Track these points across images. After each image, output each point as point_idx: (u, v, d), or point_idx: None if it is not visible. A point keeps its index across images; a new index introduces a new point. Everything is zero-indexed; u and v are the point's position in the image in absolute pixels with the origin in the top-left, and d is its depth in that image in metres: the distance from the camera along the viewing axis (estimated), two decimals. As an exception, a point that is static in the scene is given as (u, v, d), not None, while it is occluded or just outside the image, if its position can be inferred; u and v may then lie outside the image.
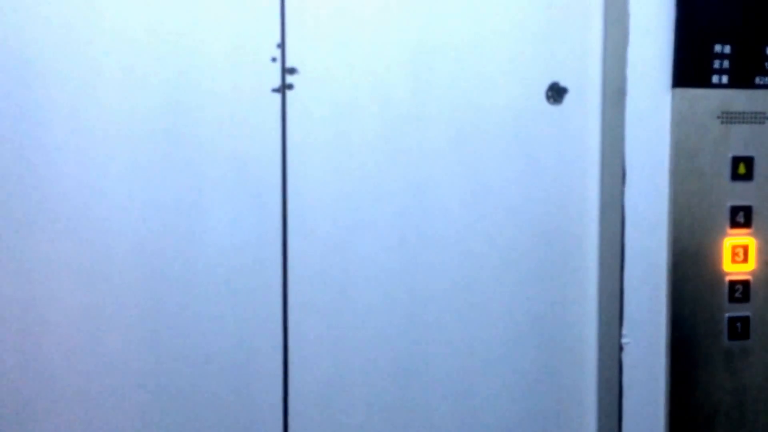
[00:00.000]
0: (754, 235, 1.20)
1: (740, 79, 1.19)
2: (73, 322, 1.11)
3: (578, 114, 1.21)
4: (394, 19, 1.15)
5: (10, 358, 1.10)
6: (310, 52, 1.13)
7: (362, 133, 1.15)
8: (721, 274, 1.19)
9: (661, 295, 1.19)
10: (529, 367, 1.21)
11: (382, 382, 1.18)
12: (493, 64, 1.18)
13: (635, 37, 1.18)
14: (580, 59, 1.20)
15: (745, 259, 1.20)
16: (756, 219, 1.20)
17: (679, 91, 1.18)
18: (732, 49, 1.18)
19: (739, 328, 1.19)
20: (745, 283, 1.20)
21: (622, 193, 1.18)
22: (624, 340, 1.19)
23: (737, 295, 1.19)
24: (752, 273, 1.20)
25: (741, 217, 1.19)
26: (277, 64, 1.13)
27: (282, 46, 1.12)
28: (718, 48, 1.18)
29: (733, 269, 1.20)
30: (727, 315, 1.19)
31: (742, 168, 1.19)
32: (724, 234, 1.19)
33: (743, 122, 1.19)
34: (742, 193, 1.19)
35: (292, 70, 1.13)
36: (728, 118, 1.19)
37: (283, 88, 1.13)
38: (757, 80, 1.19)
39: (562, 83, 1.20)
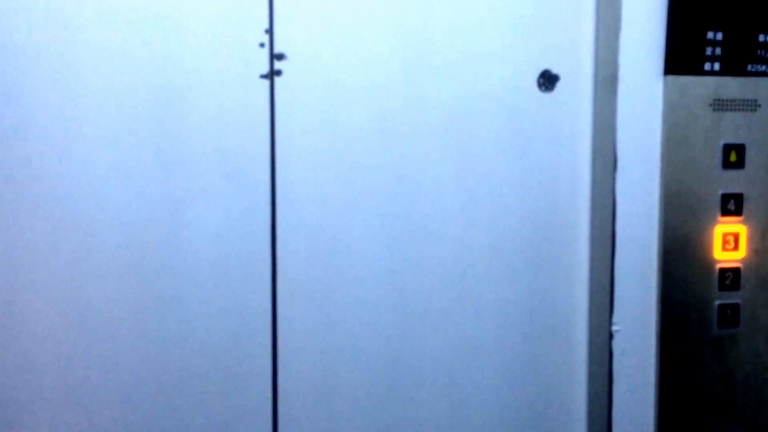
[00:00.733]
0: (745, 222, 1.20)
1: (732, 67, 1.18)
2: (60, 313, 1.10)
3: (570, 101, 1.20)
4: (385, 4, 1.14)
5: (-3, 347, 1.10)
6: (298, 37, 1.12)
7: (352, 120, 1.14)
8: (711, 262, 1.19)
9: (652, 282, 1.19)
10: (520, 355, 1.21)
11: (372, 373, 1.18)
12: (484, 51, 1.17)
13: (627, 24, 1.17)
14: (572, 46, 1.19)
15: (736, 247, 1.20)
16: (747, 207, 1.20)
17: (671, 78, 1.17)
18: (724, 36, 1.17)
19: (729, 316, 1.20)
20: (736, 271, 1.20)
21: (613, 181, 1.17)
22: (614, 328, 1.19)
23: (727, 282, 1.19)
24: (743, 261, 1.20)
25: (732, 205, 1.19)
26: (265, 50, 1.11)
27: (270, 31, 1.11)
28: (710, 35, 1.17)
29: (724, 257, 1.19)
30: (717, 302, 1.19)
31: (734, 156, 1.19)
32: (715, 222, 1.19)
33: (735, 110, 1.19)
34: (733, 181, 1.19)
35: (280, 56, 1.12)
36: (720, 105, 1.18)
37: (272, 74, 1.12)
38: (750, 67, 1.19)
39: (554, 70, 1.19)
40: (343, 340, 1.17)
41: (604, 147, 1.18)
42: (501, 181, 1.19)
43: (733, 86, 1.18)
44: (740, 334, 1.20)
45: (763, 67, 1.19)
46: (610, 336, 1.19)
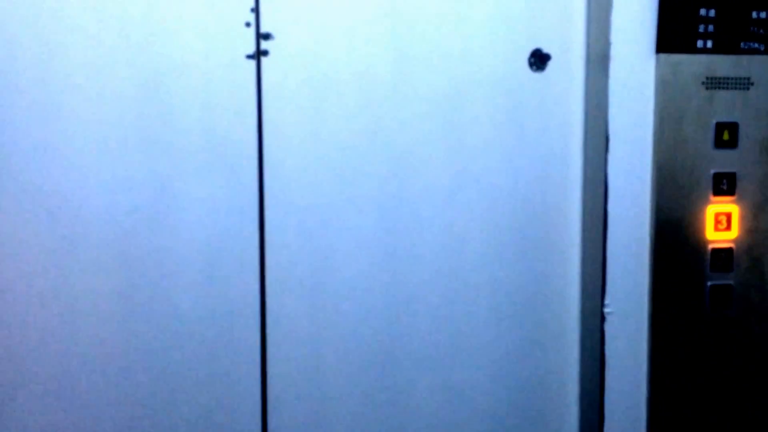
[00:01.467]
0: (738, 202, 1.19)
1: (725, 44, 1.17)
2: (45, 301, 1.09)
3: (561, 81, 1.19)
4: (372, -17, 1.12)
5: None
6: (285, 16, 1.10)
7: (341, 101, 1.13)
8: (703, 243, 1.18)
9: (644, 263, 1.18)
10: (512, 338, 1.21)
11: (363, 356, 1.17)
12: (475, 31, 1.15)
13: (618, 2, 1.15)
14: (563, 25, 1.18)
15: (728, 227, 1.19)
16: (740, 186, 1.19)
17: (663, 56, 1.16)
18: (717, 13, 1.16)
19: (722, 297, 1.19)
20: (728, 251, 1.19)
21: (605, 161, 1.16)
22: (606, 310, 1.18)
23: (720, 263, 1.19)
24: (735, 241, 1.19)
25: (724, 185, 1.18)
26: (251, 30, 1.09)
27: (256, 10, 1.09)
28: (702, 12, 1.16)
29: (716, 237, 1.19)
30: (709, 283, 1.19)
31: (726, 135, 1.18)
32: (707, 202, 1.18)
33: (728, 88, 1.17)
34: (725, 160, 1.18)
35: (267, 36, 1.10)
36: (713, 83, 1.17)
37: (258, 55, 1.10)
38: (743, 45, 1.17)
39: (545, 50, 1.18)
40: (332, 323, 1.16)
41: (596, 126, 1.17)
42: (492, 163, 1.17)
43: (725, 64, 1.17)
44: (733, 315, 1.20)
45: (756, 45, 1.18)
46: (603, 318, 1.18)
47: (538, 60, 1.18)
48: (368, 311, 1.16)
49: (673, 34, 1.15)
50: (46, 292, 1.09)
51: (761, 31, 1.17)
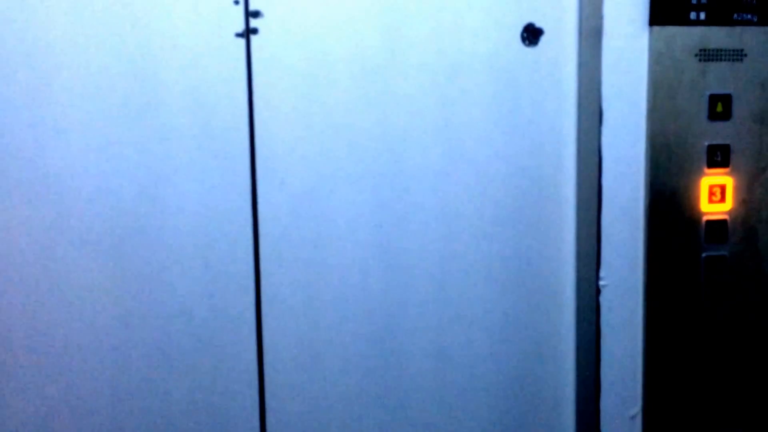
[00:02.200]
0: (732, 174, 1.19)
1: (718, 16, 1.16)
2: (39, 287, 1.09)
3: (554, 55, 1.19)
4: (363, -41, 1.12)
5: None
6: (276, -6, 1.09)
7: (332, 79, 1.13)
8: (698, 214, 1.19)
9: (638, 236, 1.19)
10: (508, 311, 1.21)
11: (359, 331, 1.18)
12: (468, 6, 1.15)
13: (611, -26, 1.15)
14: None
15: (723, 199, 1.19)
16: (733, 158, 1.19)
17: (657, 29, 1.15)
18: (710, -16, 1.16)
19: (716, 268, 1.20)
20: (722, 223, 1.19)
21: (598, 134, 1.16)
22: (601, 283, 1.19)
23: (714, 235, 1.19)
24: (729, 213, 1.20)
25: (718, 157, 1.18)
26: (240, 7, 1.09)
27: (246, -12, 1.09)
28: (695, -17, 1.15)
29: (711, 209, 1.19)
30: (704, 255, 1.19)
31: (720, 106, 1.18)
32: (701, 174, 1.18)
33: (721, 60, 1.17)
34: (719, 132, 1.18)
35: (256, 14, 1.10)
36: (706, 55, 1.17)
37: (247, 33, 1.10)
38: (736, 16, 1.17)
39: (538, 24, 1.17)
40: (328, 299, 1.17)
41: (590, 100, 1.17)
42: (486, 137, 1.18)
43: (719, 36, 1.17)
44: (727, 287, 1.20)
45: (749, 16, 1.17)
46: (598, 290, 1.19)
47: (531, 35, 1.18)
48: (364, 286, 1.17)
49: (665, 7, 1.15)
50: (40, 276, 1.09)
51: (754, 1, 1.17)
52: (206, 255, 1.12)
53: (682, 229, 1.19)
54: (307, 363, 1.17)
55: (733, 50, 1.17)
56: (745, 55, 1.18)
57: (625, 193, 1.17)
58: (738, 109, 1.18)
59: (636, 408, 1.22)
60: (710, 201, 1.19)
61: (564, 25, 1.18)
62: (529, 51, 1.18)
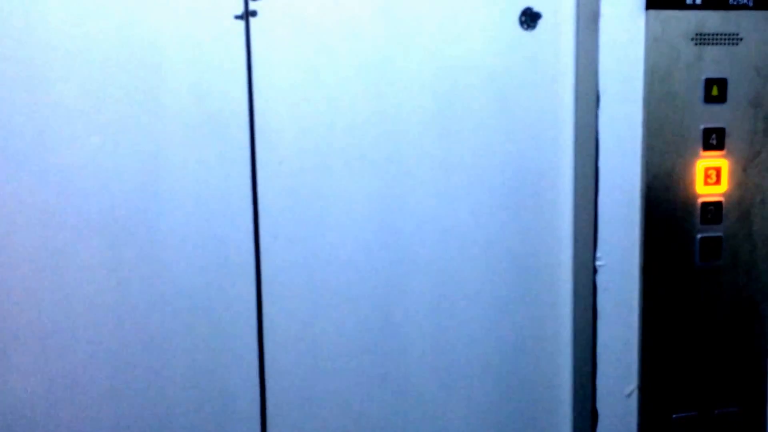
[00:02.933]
0: (727, 157, 1.21)
1: (714, 0, 1.18)
2: (38, 269, 1.10)
3: (552, 39, 1.20)
4: (364, -57, 1.13)
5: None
6: (277, -23, 1.10)
7: (332, 63, 1.14)
8: (694, 196, 1.21)
9: (635, 217, 1.20)
10: (505, 292, 1.23)
11: (359, 312, 1.20)
12: (467, -10, 1.16)
13: (608, -42, 1.16)
14: (554, -17, 1.19)
15: (718, 181, 1.21)
16: (729, 141, 1.20)
17: (653, 13, 1.17)
18: (706, -32, 1.17)
19: (711, 249, 1.22)
20: (718, 205, 1.21)
21: (595, 117, 1.18)
22: (598, 263, 1.21)
23: (709, 216, 1.21)
24: (724, 194, 1.21)
25: (714, 140, 1.20)
26: (242, -10, 1.10)
27: (248, -29, 1.10)
28: (692, -32, 1.17)
29: (706, 191, 1.21)
30: (699, 236, 1.21)
31: (716, 90, 1.19)
32: (697, 156, 1.20)
33: (717, 44, 1.19)
34: (715, 115, 1.20)
35: (257, -4, 1.11)
36: (702, 39, 1.18)
37: (247, 15, 1.11)
38: (731, 0, 1.18)
39: (536, 8, 1.19)
40: (328, 280, 1.18)
41: (587, 83, 1.18)
42: (484, 119, 1.19)
43: (714, 20, 1.18)
44: (722, 266, 1.22)
45: (745, 0, 1.19)
46: (594, 271, 1.21)
47: (529, 18, 1.19)
48: (363, 265, 1.18)
49: (662, -9, 1.16)
50: (39, 259, 1.10)
51: (749, -15, 1.18)
52: (206, 234, 1.13)
53: (677, 211, 1.20)
54: (307, 341, 1.19)
55: (729, 34, 1.19)
56: (741, 39, 1.19)
57: (622, 175, 1.19)
58: (733, 92, 1.20)
59: (632, 386, 1.24)
60: (706, 183, 1.21)
61: (562, 9, 1.19)
62: (528, 35, 1.19)
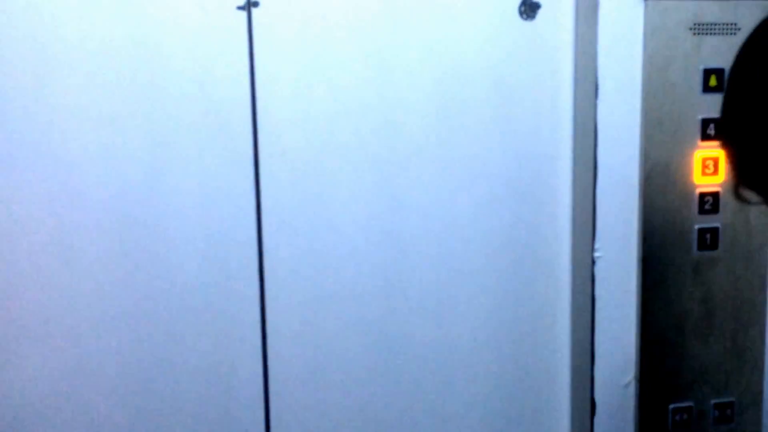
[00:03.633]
0: (725, 147, 1.21)
1: (712, -10, 1.18)
2: (45, 259, 1.10)
3: (551, 29, 1.20)
4: (362, -68, 1.12)
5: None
6: (276, -34, 1.10)
7: (333, 53, 1.13)
8: (691, 187, 1.21)
9: (633, 207, 1.20)
10: (505, 282, 1.24)
11: (361, 307, 1.20)
12: (465, -20, 1.16)
13: (607, -52, 1.16)
14: (553, -27, 1.18)
15: (716, 172, 1.21)
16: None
17: (652, 3, 1.16)
18: (704, -42, 1.17)
19: (708, 239, 1.22)
20: (715, 195, 1.21)
21: (594, 108, 1.18)
22: (596, 254, 1.21)
23: (707, 206, 1.21)
24: (722, 185, 1.21)
25: (712, 130, 1.20)
26: (242, -20, 1.09)
27: (247, -39, 1.09)
28: (690, -43, 1.16)
29: (704, 181, 1.21)
30: (696, 226, 1.21)
31: (713, 80, 1.19)
32: (694, 146, 1.20)
33: (715, 34, 1.19)
34: (713, 106, 1.19)
35: (257, -14, 1.10)
36: (700, 29, 1.18)
37: (249, 6, 1.10)
38: (729, -10, 1.18)
39: (535, -2, 1.19)
40: (330, 267, 1.18)
41: (586, 74, 1.18)
42: (484, 110, 1.19)
43: (713, 10, 1.18)
44: (719, 256, 1.23)
45: (743, -10, 1.19)
46: (593, 261, 1.21)
47: (529, 8, 1.19)
48: (365, 257, 1.19)
49: (661, -19, 1.16)
50: (45, 246, 1.09)
51: (748, -25, 1.18)
52: (209, 226, 1.13)
53: (675, 201, 1.21)
54: (309, 331, 1.19)
55: (727, 24, 1.19)
56: (739, 29, 1.19)
57: (621, 165, 1.19)
58: (731, 82, 1.20)
59: (629, 376, 1.24)
60: (703, 173, 1.21)
61: (561, -1, 1.19)
62: (527, 25, 1.19)
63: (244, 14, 1.10)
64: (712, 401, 1.26)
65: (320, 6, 1.12)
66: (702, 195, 1.21)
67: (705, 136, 1.20)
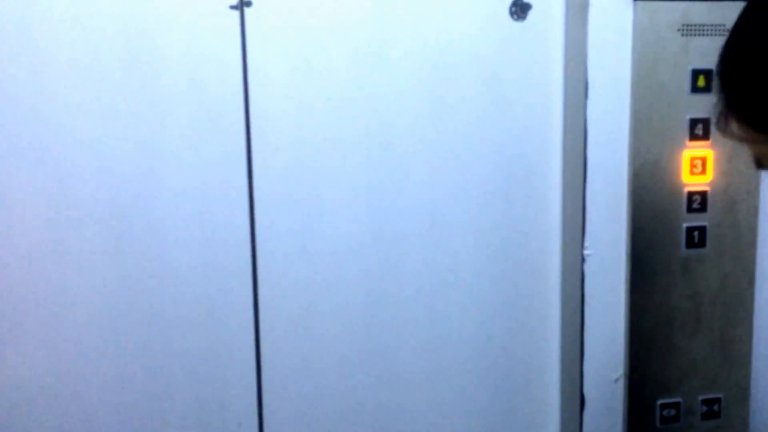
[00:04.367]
0: (713, 147, 1.22)
1: (701, -9, 1.19)
2: (38, 256, 1.11)
3: (542, 30, 1.21)
4: (355, -67, 1.13)
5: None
6: (269, -33, 1.10)
7: (326, 52, 1.14)
8: (680, 186, 1.22)
9: (622, 206, 1.22)
10: (495, 279, 1.25)
11: (352, 296, 1.21)
12: (457, -19, 1.17)
13: (597, -52, 1.17)
14: (544, -26, 1.19)
15: (704, 171, 1.23)
16: (714, 131, 1.21)
17: (641, 3, 1.18)
18: (693, -41, 1.18)
19: (696, 237, 1.23)
20: (703, 194, 1.23)
21: (584, 108, 1.19)
22: (586, 252, 1.22)
23: (695, 205, 1.23)
24: (710, 184, 1.23)
25: (700, 130, 1.21)
26: (235, -20, 1.10)
27: (240, -39, 1.10)
28: (678, -41, 1.18)
29: (692, 180, 1.22)
30: (685, 225, 1.23)
31: (702, 81, 1.21)
32: (683, 146, 1.22)
33: (703, 34, 1.20)
34: (701, 106, 1.21)
35: (251, -14, 1.11)
36: (689, 30, 1.20)
37: (242, 5, 1.11)
38: (718, -8, 1.20)
39: (526, -1, 1.20)
40: (322, 261, 1.19)
41: (576, 74, 1.20)
42: (475, 109, 1.20)
43: (701, 11, 1.19)
44: (707, 255, 1.24)
45: (731, -8, 1.20)
46: (582, 259, 1.22)
47: (520, 9, 1.20)
48: (356, 249, 1.20)
49: (650, -19, 1.17)
50: (39, 246, 1.10)
51: (736, -23, 1.19)
52: (203, 221, 1.14)
53: (664, 200, 1.22)
54: (302, 326, 1.20)
55: (716, 25, 1.20)
56: (727, 30, 1.19)
57: (610, 164, 1.20)
58: (719, 83, 1.21)
59: (619, 372, 1.26)
60: (692, 173, 1.22)
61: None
62: (518, 25, 1.20)
63: (236, 13, 1.11)
64: (700, 397, 1.28)
65: (313, 5, 1.13)
66: (690, 194, 1.23)
67: (693, 136, 1.21)
